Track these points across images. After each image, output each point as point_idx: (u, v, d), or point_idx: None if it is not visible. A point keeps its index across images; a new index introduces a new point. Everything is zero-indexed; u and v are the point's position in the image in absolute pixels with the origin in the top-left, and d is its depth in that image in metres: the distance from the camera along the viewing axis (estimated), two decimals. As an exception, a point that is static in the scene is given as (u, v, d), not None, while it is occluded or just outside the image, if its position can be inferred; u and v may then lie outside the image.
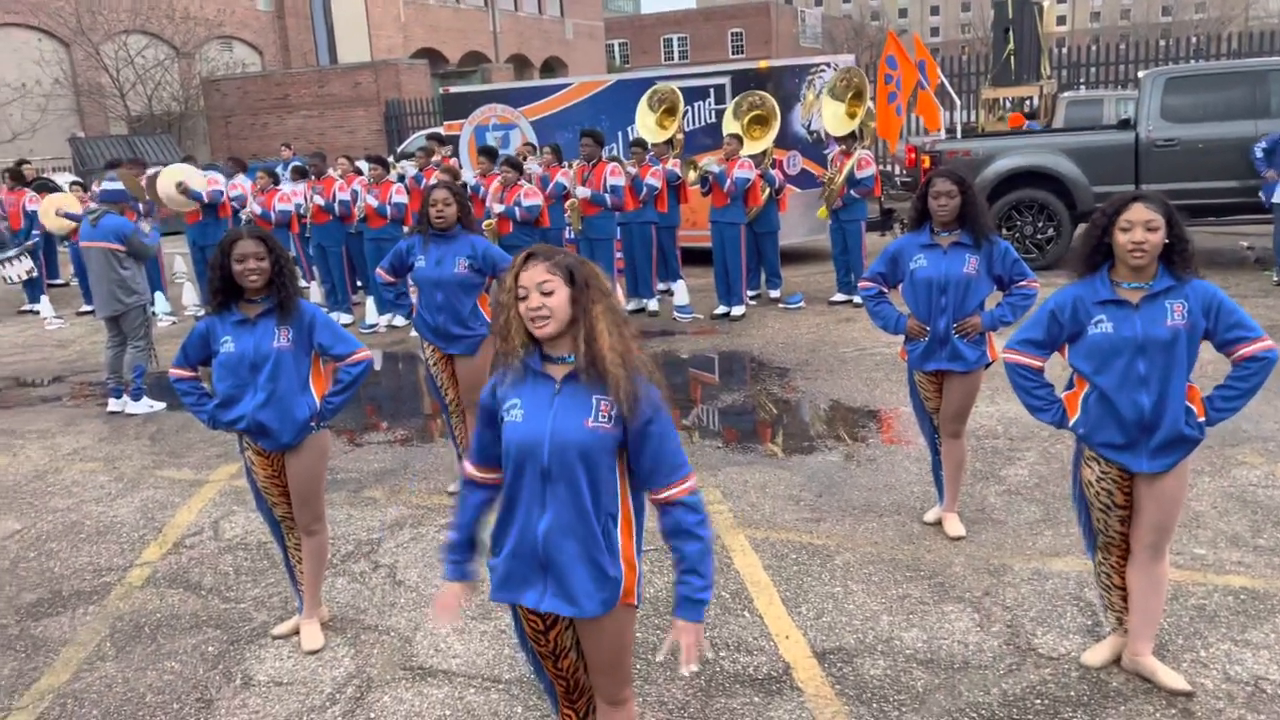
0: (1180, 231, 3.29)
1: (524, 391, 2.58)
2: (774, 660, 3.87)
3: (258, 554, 5.17)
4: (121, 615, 4.59)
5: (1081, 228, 10.72)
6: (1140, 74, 11.64)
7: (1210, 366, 3.41)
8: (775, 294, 10.87)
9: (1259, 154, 9.88)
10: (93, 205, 8.07)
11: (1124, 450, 3.40)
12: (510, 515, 2.61)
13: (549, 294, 2.50)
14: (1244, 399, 3.35)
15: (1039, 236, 11.37)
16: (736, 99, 11.26)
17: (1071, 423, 3.51)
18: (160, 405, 8.04)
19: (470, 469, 2.75)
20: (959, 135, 13.93)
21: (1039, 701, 3.49)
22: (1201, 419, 3.35)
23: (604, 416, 2.53)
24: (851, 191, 10.15)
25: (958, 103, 14.96)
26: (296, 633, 4.26)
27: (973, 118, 19.57)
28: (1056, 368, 3.66)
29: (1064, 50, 22.22)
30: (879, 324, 4.85)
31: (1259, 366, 3.28)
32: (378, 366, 9.36)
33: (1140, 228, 3.25)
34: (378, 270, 5.80)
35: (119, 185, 8.12)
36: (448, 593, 2.77)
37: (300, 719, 3.68)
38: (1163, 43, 21.26)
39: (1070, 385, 3.55)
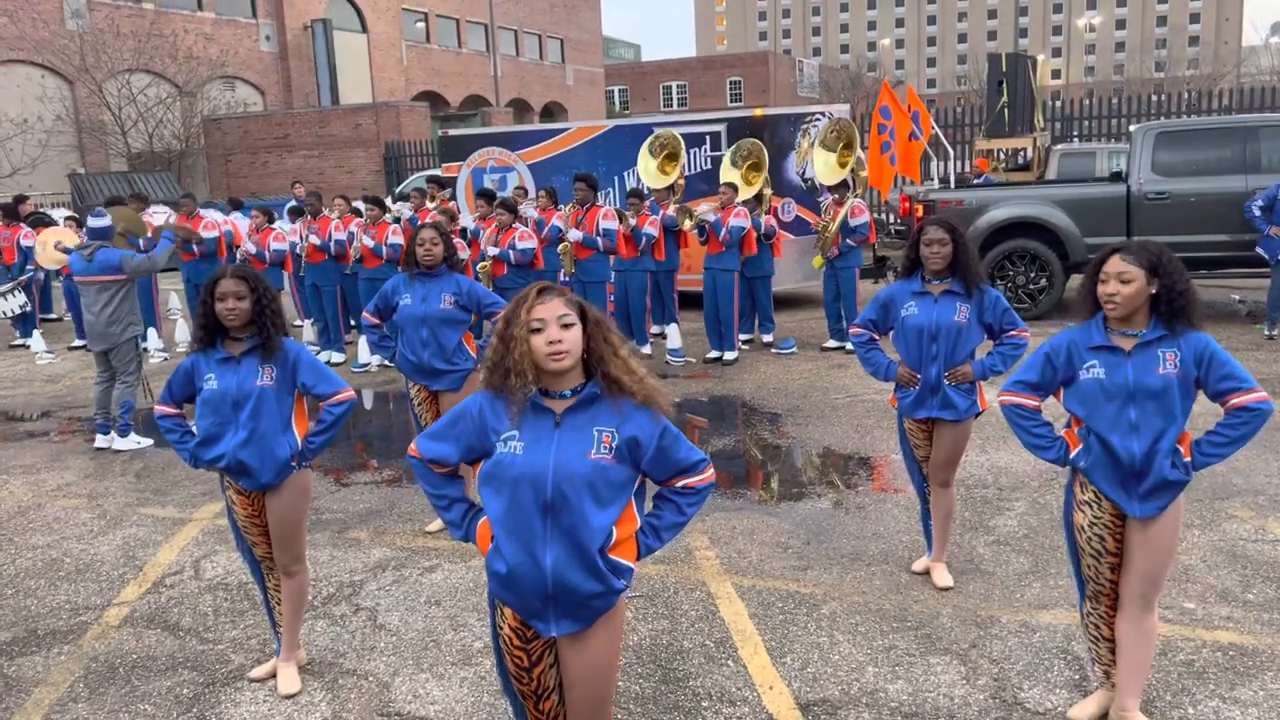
0: (1170, 282, 3.27)
1: (523, 424, 2.59)
2: (757, 712, 3.81)
3: (238, 594, 5.10)
4: (97, 656, 4.52)
5: (1075, 279, 10.80)
6: (1132, 128, 11.75)
7: (1200, 420, 3.39)
8: (768, 339, 10.89)
9: (1255, 211, 9.92)
10: (86, 241, 8.09)
11: (1119, 490, 3.38)
12: (512, 551, 2.60)
13: (568, 327, 2.53)
14: (1233, 447, 3.32)
15: (1031, 286, 11.42)
16: (733, 148, 11.36)
17: (1073, 456, 3.48)
18: (147, 442, 7.99)
19: (427, 456, 2.76)
20: (952, 185, 14.03)
21: (1025, 758, 3.43)
22: (1187, 460, 3.32)
23: (605, 448, 2.56)
24: (846, 240, 10.20)
25: (951, 153, 15.11)
26: (273, 676, 4.19)
27: (967, 168, 19.74)
28: (1056, 407, 3.64)
29: (1058, 103, 22.50)
30: (869, 371, 4.84)
31: (1250, 416, 3.26)
32: (369, 406, 9.32)
33: (1114, 280, 3.26)
34: (364, 314, 5.81)
35: (106, 221, 8.14)
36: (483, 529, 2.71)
37: (273, 765, 3.61)
38: (1155, 98, 21.53)
39: (1069, 424, 3.53)
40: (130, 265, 7.88)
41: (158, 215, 13.56)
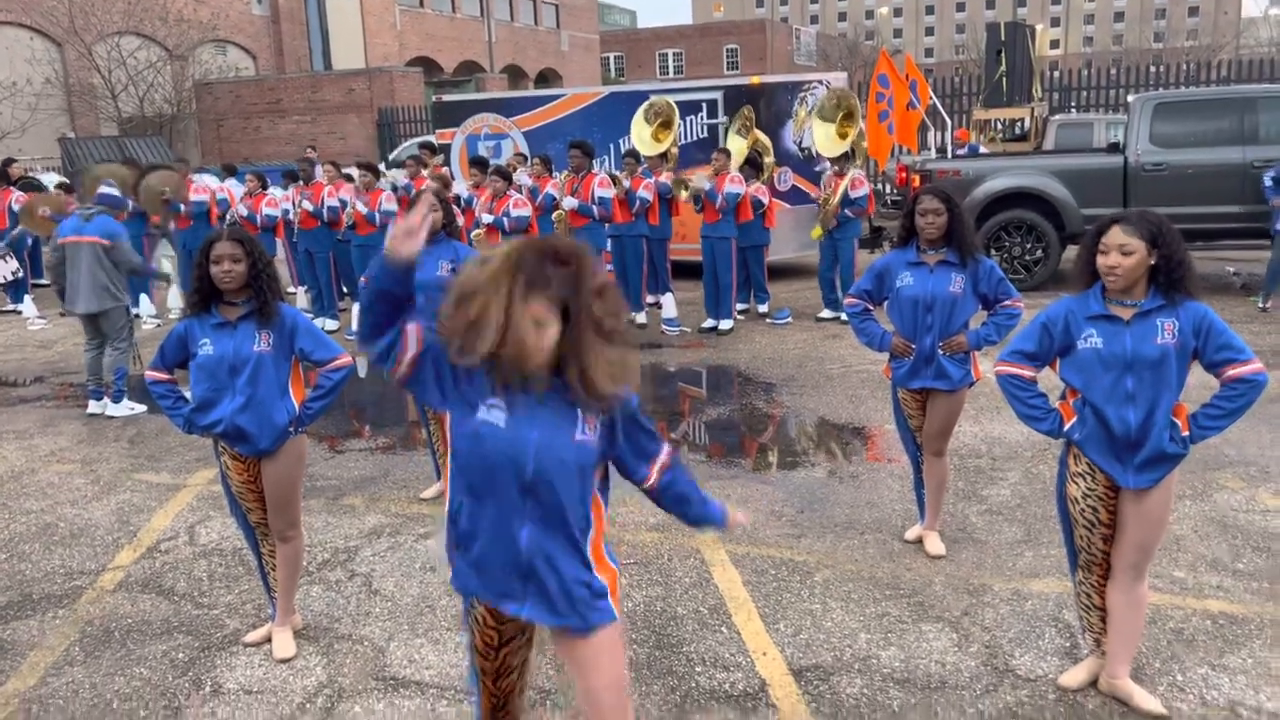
0: (1170, 253, 3.26)
1: (507, 392, 2.45)
2: (750, 677, 3.84)
3: (233, 560, 5.11)
4: (91, 620, 4.53)
5: (1070, 250, 10.78)
6: (1130, 98, 11.70)
7: (1194, 392, 3.40)
8: (763, 309, 10.87)
9: (1269, 182, 9.88)
10: (89, 206, 8.06)
11: (1113, 462, 3.39)
12: (481, 522, 2.50)
13: (541, 327, 2.36)
14: (1229, 419, 3.33)
15: (1027, 258, 11.40)
16: (734, 119, 11.30)
17: (1067, 428, 3.48)
18: (141, 408, 7.97)
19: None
20: (949, 155, 13.97)
21: (1015, 723, 3.47)
22: (1185, 434, 3.34)
23: (590, 429, 2.47)
24: (845, 211, 10.17)
25: (949, 123, 15.04)
26: (268, 641, 4.21)
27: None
28: (1050, 379, 3.64)
29: (1056, 74, 22.37)
30: (864, 341, 4.84)
31: (1246, 388, 3.27)
32: (362, 373, 9.31)
33: (1115, 252, 3.25)
34: (363, 279, 5.79)
35: (117, 192, 8.18)
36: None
37: (269, 728, 3.63)
38: (1154, 69, 21.43)
39: (1063, 396, 3.54)
40: (120, 247, 7.82)
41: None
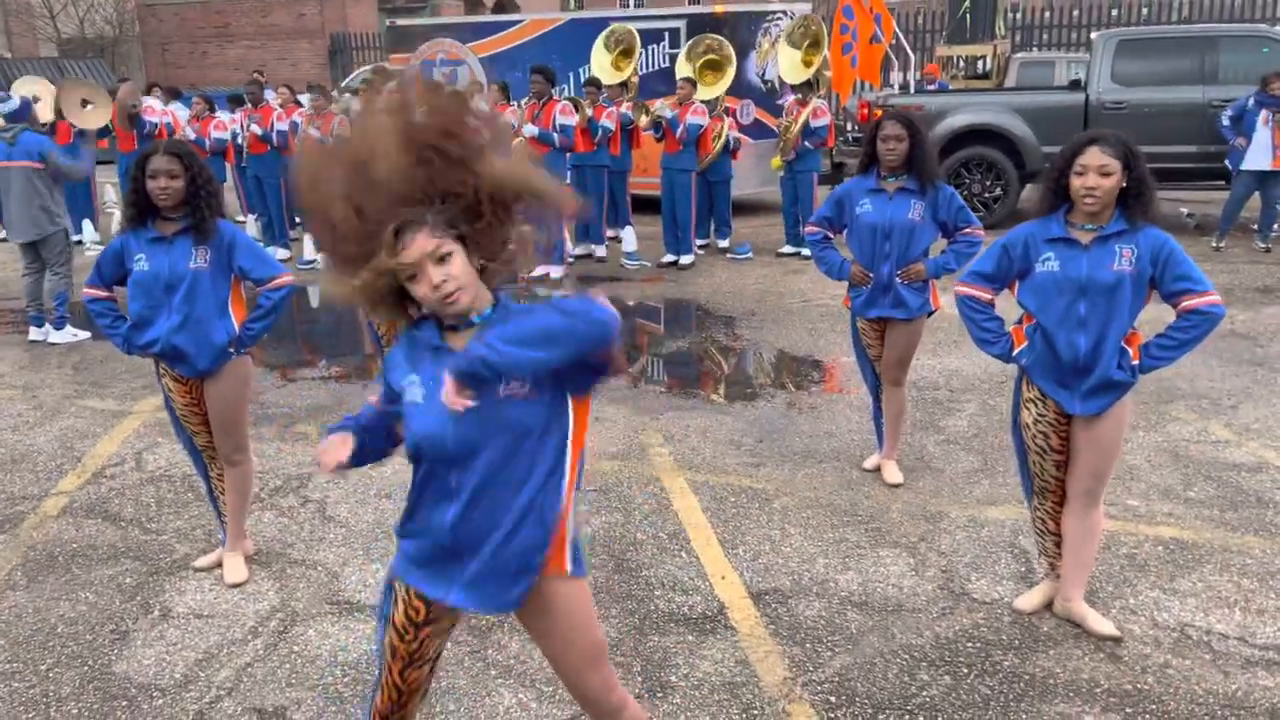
0: (1140, 175, 3.23)
1: (423, 367, 2.16)
2: (709, 600, 3.83)
3: (181, 486, 4.99)
4: (35, 545, 4.41)
5: (1029, 188, 10.78)
6: (1093, 35, 11.65)
7: (1145, 327, 3.39)
8: (724, 244, 10.78)
9: (1225, 121, 9.91)
10: (7, 127, 7.72)
11: (1059, 389, 3.39)
12: (418, 504, 2.25)
13: (445, 259, 2.05)
14: (1181, 350, 3.32)
15: (986, 195, 11.39)
16: (691, 41, 11.08)
17: (1016, 353, 3.47)
18: (84, 335, 7.75)
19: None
20: (912, 90, 13.88)
21: (971, 645, 3.50)
22: (1135, 362, 3.32)
23: (515, 382, 2.11)
24: (805, 142, 10.06)
25: (912, 59, 14.89)
26: (219, 566, 4.12)
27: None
28: (1013, 310, 3.62)
29: (1018, 13, 22.24)
30: (823, 269, 4.78)
31: (1201, 319, 3.24)
32: (314, 303, 9.11)
33: (1094, 173, 3.20)
34: None
35: (15, 102, 7.83)
36: (333, 441, 2.24)
37: (220, 651, 3.56)
38: (1114, 10, 21.40)
39: (1019, 321, 3.52)
40: (54, 160, 7.55)
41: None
